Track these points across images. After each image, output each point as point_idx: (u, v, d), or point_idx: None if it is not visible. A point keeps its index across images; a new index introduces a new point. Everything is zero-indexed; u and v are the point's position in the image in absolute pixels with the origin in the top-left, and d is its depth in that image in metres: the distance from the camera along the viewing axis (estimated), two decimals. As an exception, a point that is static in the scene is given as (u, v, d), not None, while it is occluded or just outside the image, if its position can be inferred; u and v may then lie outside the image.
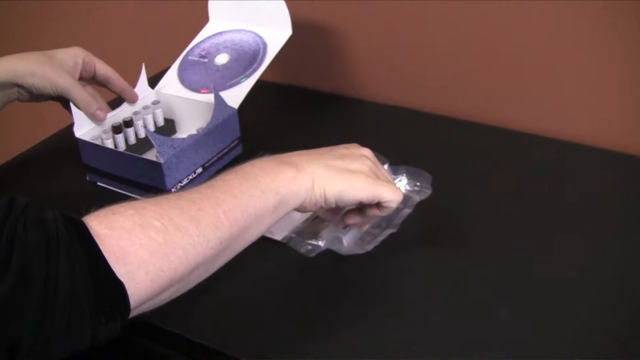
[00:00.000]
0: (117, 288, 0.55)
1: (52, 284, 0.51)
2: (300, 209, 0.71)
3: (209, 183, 0.66)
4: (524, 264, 0.77)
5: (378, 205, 0.73)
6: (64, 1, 1.45)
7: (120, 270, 0.55)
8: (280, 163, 0.69)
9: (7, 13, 1.52)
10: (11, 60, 0.91)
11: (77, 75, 0.95)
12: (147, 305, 0.59)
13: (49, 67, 0.91)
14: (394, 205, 0.72)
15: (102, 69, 0.98)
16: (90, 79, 0.99)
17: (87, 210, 0.62)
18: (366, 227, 0.81)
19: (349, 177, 0.70)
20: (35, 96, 0.93)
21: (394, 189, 0.72)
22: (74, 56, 0.95)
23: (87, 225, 0.56)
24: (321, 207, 0.72)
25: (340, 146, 0.75)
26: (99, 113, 0.94)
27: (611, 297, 0.72)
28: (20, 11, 1.51)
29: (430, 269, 0.77)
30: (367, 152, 0.74)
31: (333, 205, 0.71)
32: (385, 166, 0.87)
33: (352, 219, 0.77)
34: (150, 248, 0.57)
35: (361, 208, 0.76)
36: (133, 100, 1.00)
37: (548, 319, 0.70)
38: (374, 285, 0.75)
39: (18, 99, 0.94)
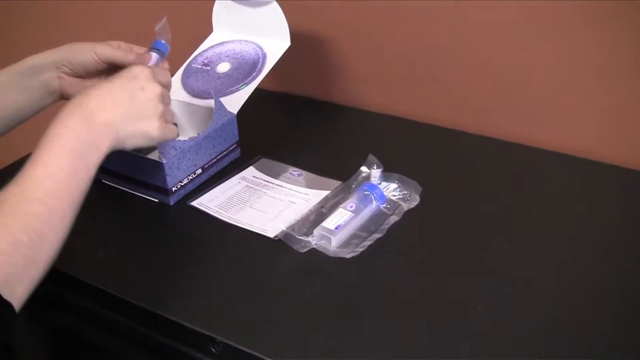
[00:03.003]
0: (5, 309, 0.61)
1: None
2: None
3: (41, 162, 0.70)
4: (507, 268, 0.82)
5: None
6: (72, 12, 1.50)
7: (4, 291, 0.61)
8: (95, 130, 0.75)
9: (9, 18, 1.57)
10: (49, 50, 0.95)
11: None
12: None
13: (82, 43, 0.96)
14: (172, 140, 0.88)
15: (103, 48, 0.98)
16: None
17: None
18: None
19: (144, 130, 0.80)
20: (80, 73, 0.95)
21: (174, 130, 0.85)
22: (109, 42, 0.98)
23: None
24: None
25: (137, 82, 0.81)
26: (144, 56, 0.95)
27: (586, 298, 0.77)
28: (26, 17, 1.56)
29: (416, 271, 0.82)
30: (157, 89, 0.81)
31: None
32: (379, 172, 0.92)
33: None
34: (24, 265, 0.64)
35: None
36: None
37: (527, 316, 0.75)
38: (360, 285, 0.80)
39: (60, 87, 0.95)
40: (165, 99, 0.82)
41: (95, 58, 0.94)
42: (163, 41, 0.95)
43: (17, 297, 0.62)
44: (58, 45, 0.99)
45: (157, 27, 0.96)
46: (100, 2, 1.47)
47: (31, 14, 1.56)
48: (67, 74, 0.94)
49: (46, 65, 0.94)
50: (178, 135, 0.84)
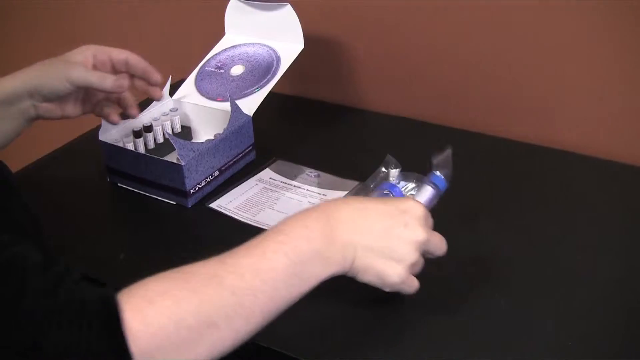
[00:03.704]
0: None
1: None
2: None
3: (260, 253, 0.63)
4: (524, 264, 0.82)
5: None
6: (89, 17, 1.51)
7: None
8: (333, 243, 0.66)
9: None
10: (22, 72, 0.89)
11: (88, 66, 0.92)
12: None
13: (56, 65, 0.90)
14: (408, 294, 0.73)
15: (118, 53, 0.94)
16: (112, 72, 0.94)
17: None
18: None
19: (384, 272, 0.69)
20: (54, 100, 0.90)
21: (415, 286, 0.71)
22: (81, 52, 0.92)
23: (121, 317, 0.55)
24: None
25: (403, 217, 0.70)
26: (119, 81, 0.90)
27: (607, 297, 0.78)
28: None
29: (438, 268, 0.82)
30: (421, 235, 0.70)
31: None
32: (397, 171, 0.92)
33: None
34: (179, 347, 0.57)
35: None
36: (157, 81, 0.96)
37: (544, 312, 0.75)
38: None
39: (38, 115, 0.90)
40: (422, 250, 0.71)
41: (68, 86, 0.88)
42: (442, 176, 0.83)
43: None
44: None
45: (437, 159, 0.84)
46: (113, 2, 1.47)
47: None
48: (41, 102, 0.89)
49: (20, 94, 0.87)
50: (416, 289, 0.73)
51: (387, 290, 0.71)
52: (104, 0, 1.46)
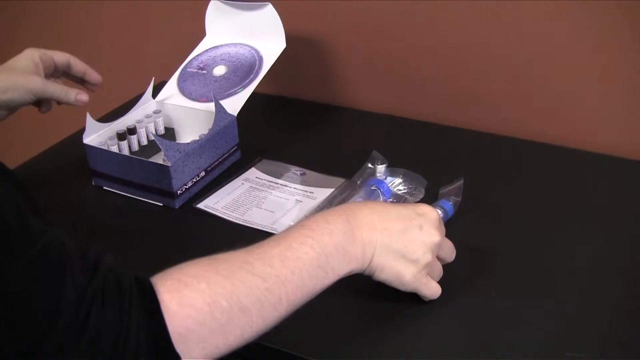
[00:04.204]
0: None
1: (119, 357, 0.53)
2: None
3: (287, 244, 0.65)
4: (514, 257, 0.84)
5: None
6: (67, 19, 1.50)
7: (180, 346, 0.56)
8: (354, 239, 0.69)
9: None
10: None
11: (42, 74, 0.97)
12: None
13: (15, 77, 0.94)
14: (427, 299, 0.75)
15: (61, 56, 1.00)
16: (53, 74, 1.01)
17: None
18: None
19: (399, 271, 0.71)
20: (11, 109, 0.95)
21: (433, 289, 0.74)
22: (31, 58, 0.96)
23: (158, 298, 0.57)
24: None
25: (418, 220, 0.73)
26: (81, 96, 0.97)
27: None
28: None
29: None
30: (435, 238, 0.73)
31: None
32: (384, 167, 0.93)
33: None
34: (212, 328, 0.58)
35: None
36: (97, 80, 1.04)
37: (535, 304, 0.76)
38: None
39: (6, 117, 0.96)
40: (436, 252, 0.73)
41: (32, 97, 0.94)
42: (452, 204, 0.88)
43: (192, 356, 0.57)
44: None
45: (449, 188, 0.91)
46: (91, 3, 1.45)
47: (31, 14, 1.55)
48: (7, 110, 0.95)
49: None
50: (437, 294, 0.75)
51: (403, 290, 0.73)
52: (82, 1, 1.45)
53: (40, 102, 0.99)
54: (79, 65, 1.02)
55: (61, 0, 1.46)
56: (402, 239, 0.71)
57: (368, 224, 0.70)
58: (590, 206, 0.92)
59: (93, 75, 1.03)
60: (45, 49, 0.99)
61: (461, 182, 0.90)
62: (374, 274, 0.71)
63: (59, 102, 0.99)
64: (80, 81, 1.05)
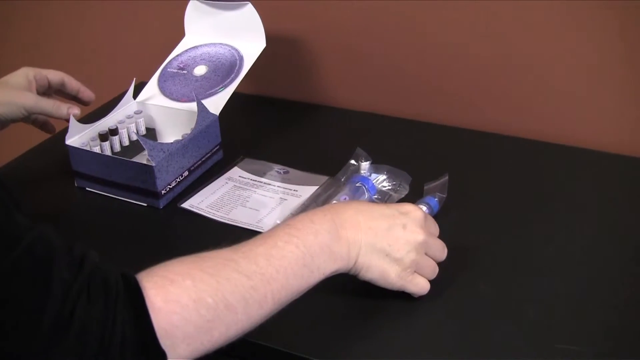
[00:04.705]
0: (158, 357, 0.57)
1: (104, 355, 0.54)
2: None
3: (272, 243, 0.66)
4: (499, 253, 0.85)
5: None
6: (47, 19, 1.48)
7: (165, 342, 0.57)
8: (339, 239, 0.70)
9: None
10: None
11: (34, 91, 0.99)
12: None
13: (8, 93, 0.95)
14: (416, 295, 0.76)
15: (55, 75, 1.02)
16: (46, 91, 1.03)
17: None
18: None
19: (384, 270, 0.72)
20: (3, 124, 0.97)
21: (420, 286, 0.75)
22: (24, 75, 0.98)
23: (144, 294, 0.57)
24: None
25: (402, 219, 0.73)
26: (73, 110, 0.98)
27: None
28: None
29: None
30: (419, 237, 0.73)
31: None
32: (367, 164, 0.94)
33: None
34: (197, 324, 0.59)
35: None
36: (90, 98, 1.06)
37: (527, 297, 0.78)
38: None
39: None
40: (422, 250, 0.74)
41: (24, 113, 0.95)
42: (437, 200, 0.89)
43: (177, 355, 0.58)
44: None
45: (434, 184, 0.91)
46: (69, 3, 1.44)
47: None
48: None
49: None
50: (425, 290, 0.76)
51: (390, 288, 0.74)
52: (63, 1, 1.43)
53: (38, 122, 1.03)
54: (72, 84, 1.04)
55: (42, 0, 1.45)
56: (386, 237, 0.72)
57: (353, 224, 0.71)
58: (577, 201, 0.93)
59: (86, 93, 1.05)
60: (40, 68, 1.01)
61: (446, 178, 0.91)
62: (360, 273, 0.72)
63: (51, 117, 1.00)
64: (73, 98, 1.06)
